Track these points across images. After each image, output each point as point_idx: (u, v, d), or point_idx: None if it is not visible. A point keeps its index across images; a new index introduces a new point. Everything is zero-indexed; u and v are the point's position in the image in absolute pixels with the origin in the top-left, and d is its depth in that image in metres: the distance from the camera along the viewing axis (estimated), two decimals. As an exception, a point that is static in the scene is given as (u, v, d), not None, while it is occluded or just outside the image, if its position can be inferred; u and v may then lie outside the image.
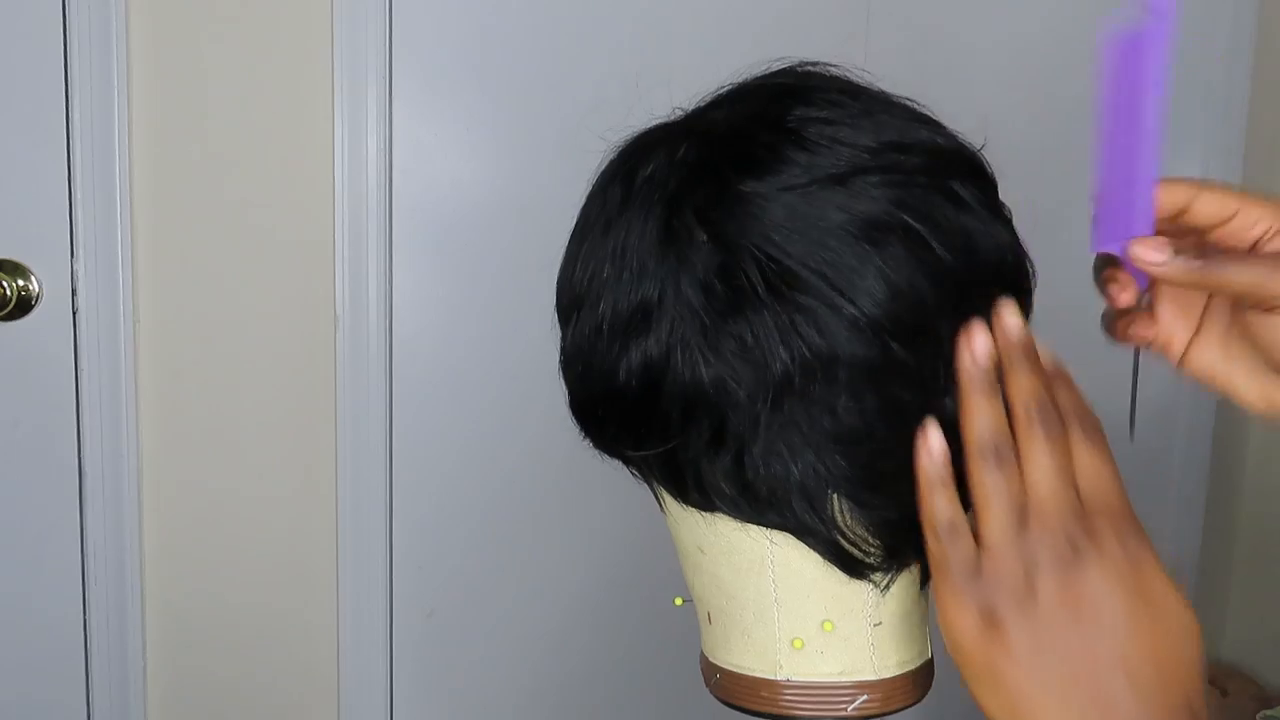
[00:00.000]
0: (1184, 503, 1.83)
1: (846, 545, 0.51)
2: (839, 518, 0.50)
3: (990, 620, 0.46)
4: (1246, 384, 0.53)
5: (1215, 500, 1.86)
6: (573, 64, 1.44)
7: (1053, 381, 0.49)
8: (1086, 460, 0.48)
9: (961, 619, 0.47)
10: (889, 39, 1.54)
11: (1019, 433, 0.48)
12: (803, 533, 0.51)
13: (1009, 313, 0.49)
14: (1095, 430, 0.49)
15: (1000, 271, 0.51)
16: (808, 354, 0.47)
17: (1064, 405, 0.49)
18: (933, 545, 0.48)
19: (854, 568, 0.52)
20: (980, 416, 0.48)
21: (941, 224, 0.48)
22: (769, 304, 0.47)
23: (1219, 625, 1.92)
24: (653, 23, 1.46)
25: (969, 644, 0.47)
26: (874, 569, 0.52)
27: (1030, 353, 0.49)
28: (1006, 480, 0.47)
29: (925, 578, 0.54)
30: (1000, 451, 0.47)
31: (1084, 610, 0.45)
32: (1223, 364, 0.54)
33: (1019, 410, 0.48)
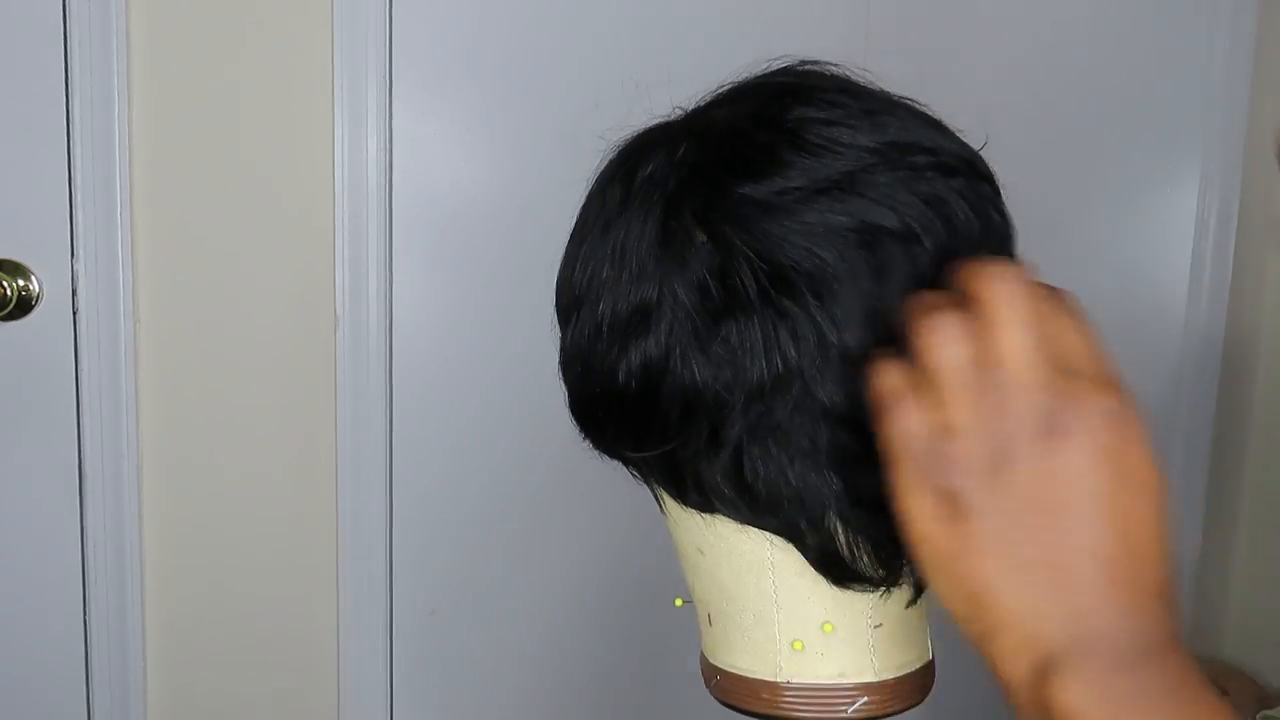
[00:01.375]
0: (1184, 503, 1.83)
1: (841, 555, 0.51)
2: (833, 527, 0.50)
3: (954, 506, 0.43)
4: None
5: (1215, 500, 1.86)
6: (573, 63, 1.44)
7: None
8: (1062, 324, 0.44)
9: (921, 505, 0.44)
10: (889, 38, 1.54)
11: (982, 295, 0.44)
12: (797, 539, 0.51)
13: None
14: (1069, 299, 0.45)
15: None
16: (780, 366, 0.47)
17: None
18: (885, 422, 0.45)
19: (844, 578, 0.52)
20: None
21: (940, 228, 0.48)
22: (758, 308, 0.47)
23: (1219, 625, 1.92)
24: (653, 22, 1.46)
25: (930, 532, 0.44)
26: (867, 581, 0.52)
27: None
28: (969, 343, 0.43)
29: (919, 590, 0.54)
30: (960, 316, 0.44)
31: (1059, 493, 0.42)
32: None
33: (981, 274, 0.44)
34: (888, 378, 0.45)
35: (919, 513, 0.44)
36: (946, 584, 0.44)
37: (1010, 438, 0.42)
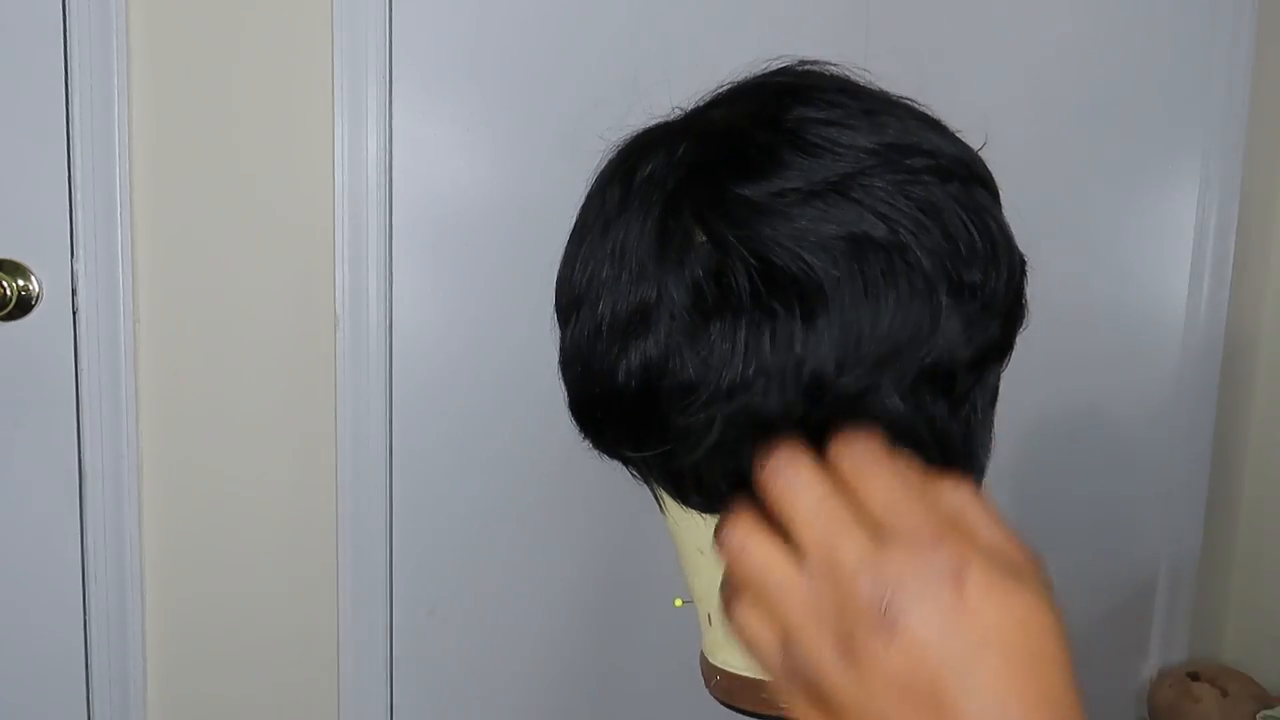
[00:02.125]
0: (1184, 503, 1.83)
1: None
2: None
3: (827, 709, 0.42)
4: None
5: (1215, 500, 1.86)
6: (573, 63, 1.44)
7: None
8: (864, 483, 0.43)
9: (801, 712, 0.43)
10: (889, 38, 1.54)
11: (771, 497, 0.43)
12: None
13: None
14: (865, 446, 0.44)
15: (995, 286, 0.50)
16: (778, 365, 0.47)
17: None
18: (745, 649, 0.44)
19: None
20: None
21: (933, 236, 0.48)
22: (748, 309, 0.47)
23: (1219, 625, 1.92)
24: (652, 22, 1.46)
25: (784, 686, 0.43)
26: None
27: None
28: (767, 545, 0.43)
29: None
30: (751, 523, 0.44)
31: (920, 674, 0.39)
32: None
33: (768, 474, 0.44)
34: (727, 593, 0.45)
35: (799, 712, 0.43)
36: None
37: (847, 633, 0.40)
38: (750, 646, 0.44)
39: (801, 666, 0.42)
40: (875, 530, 0.41)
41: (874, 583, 0.40)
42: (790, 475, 0.43)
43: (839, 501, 0.42)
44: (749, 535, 0.43)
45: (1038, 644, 0.40)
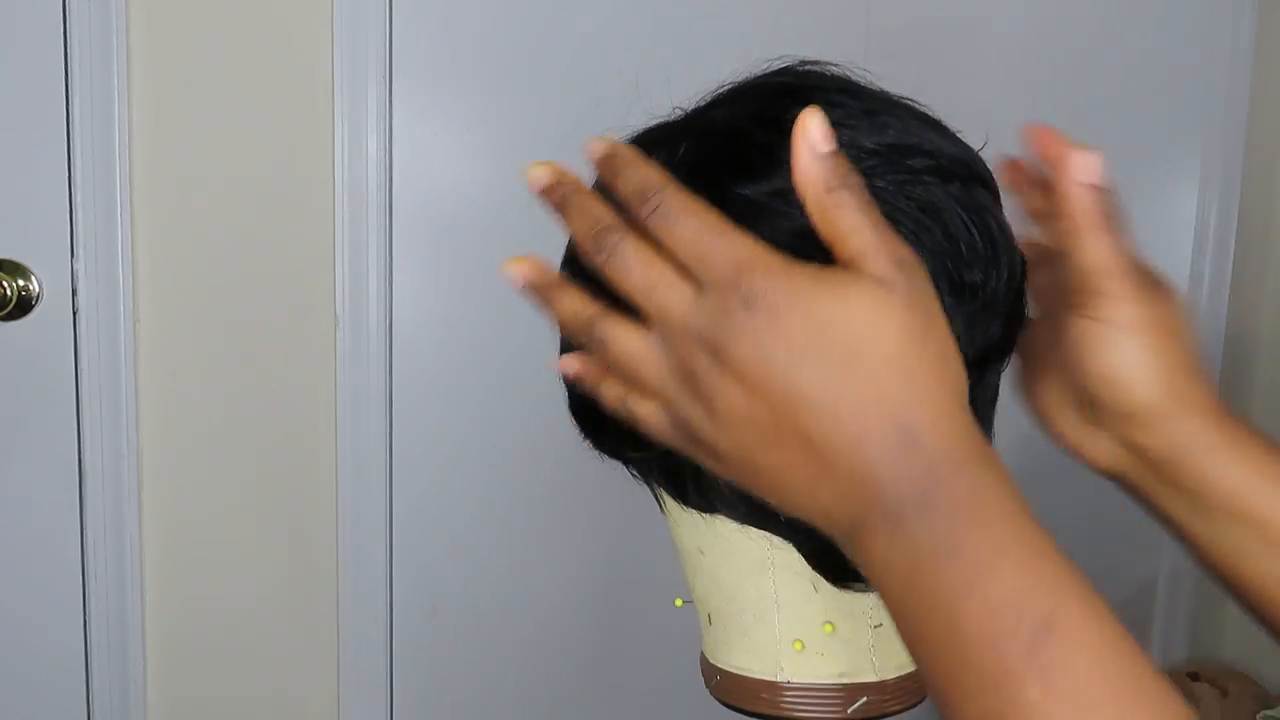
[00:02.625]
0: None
1: (840, 554, 0.51)
2: None
3: (696, 446, 0.44)
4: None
5: (1215, 500, 1.85)
6: (573, 63, 1.44)
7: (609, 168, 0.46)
8: (668, 235, 0.43)
9: (702, 462, 0.45)
10: (889, 38, 1.54)
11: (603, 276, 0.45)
12: (797, 539, 0.51)
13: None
14: (657, 193, 0.44)
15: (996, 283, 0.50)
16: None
17: (625, 191, 0.45)
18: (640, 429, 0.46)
19: (844, 578, 0.52)
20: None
21: (935, 237, 0.48)
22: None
23: (1219, 625, 1.92)
24: (653, 22, 1.46)
25: (702, 461, 0.45)
26: (866, 581, 0.51)
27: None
28: (619, 327, 0.45)
29: None
30: (563, 283, 0.46)
31: (760, 407, 0.41)
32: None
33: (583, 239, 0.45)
34: (595, 390, 0.48)
35: (709, 467, 0.45)
36: (746, 486, 0.45)
37: (695, 384, 0.42)
38: (639, 424, 0.46)
39: (678, 425, 0.44)
40: (691, 275, 0.43)
41: (702, 332, 0.42)
42: (604, 240, 0.44)
43: (652, 258, 0.43)
44: (610, 324, 0.45)
45: (866, 342, 0.41)
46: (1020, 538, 0.40)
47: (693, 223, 0.43)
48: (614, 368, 0.45)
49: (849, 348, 0.40)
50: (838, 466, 0.41)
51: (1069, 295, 0.51)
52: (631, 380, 0.45)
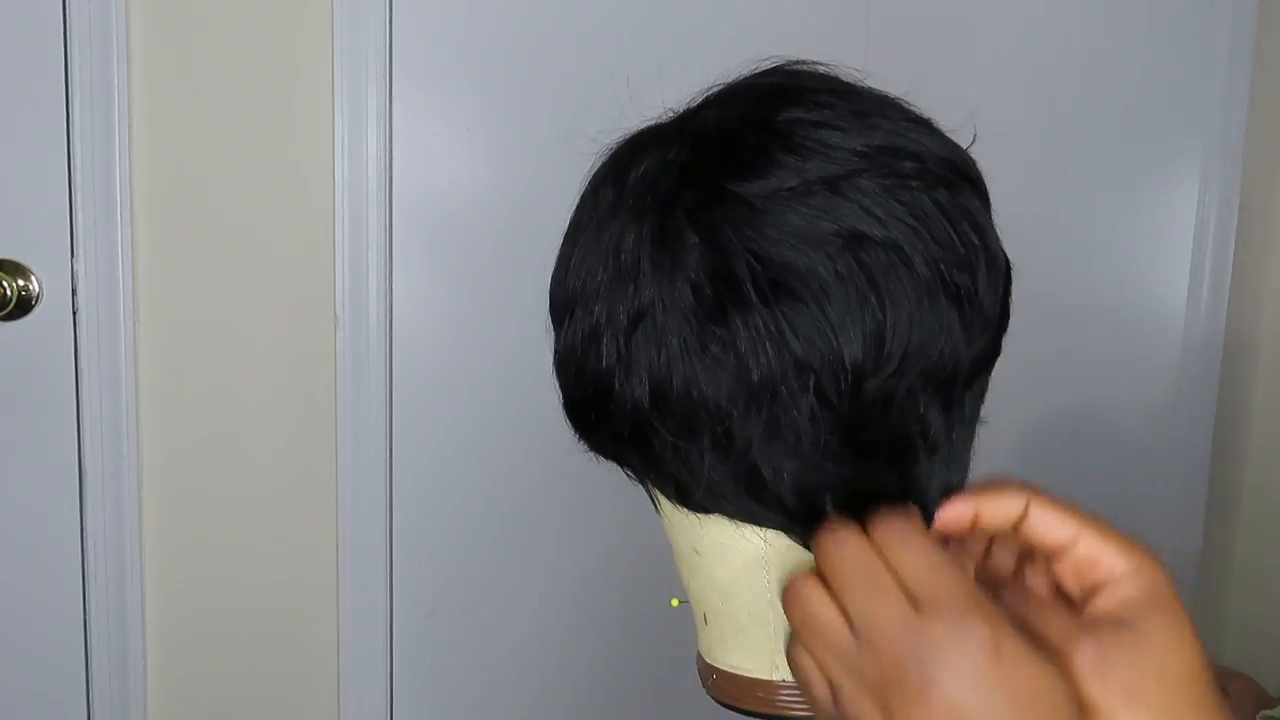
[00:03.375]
0: (1184, 503, 1.83)
1: None
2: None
3: None
4: None
5: (1215, 500, 1.86)
6: (572, 63, 1.44)
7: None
8: (900, 556, 0.45)
9: (820, 710, 0.46)
10: (889, 37, 1.54)
11: (820, 565, 0.47)
12: (797, 535, 0.51)
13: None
14: (901, 521, 0.46)
15: (979, 284, 0.50)
16: (782, 363, 0.47)
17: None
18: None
19: None
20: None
21: (924, 241, 0.48)
22: (755, 309, 0.47)
23: (1219, 625, 1.92)
24: (646, 25, 1.46)
25: None
26: None
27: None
28: (820, 611, 0.46)
29: None
30: (814, 583, 0.47)
31: None
32: None
33: (816, 543, 0.47)
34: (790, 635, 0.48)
35: None
36: None
37: (886, 694, 0.43)
38: (804, 688, 0.47)
39: (846, 717, 0.45)
40: (912, 599, 0.44)
41: (912, 649, 0.43)
42: (837, 544, 0.46)
43: (879, 568, 0.45)
44: (813, 589, 0.46)
45: (1058, 704, 0.43)
46: None
47: (929, 547, 0.45)
48: (798, 630, 0.47)
49: (1055, 703, 0.43)
50: None
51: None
52: (809, 651, 0.46)
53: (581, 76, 1.43)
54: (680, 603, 0.59)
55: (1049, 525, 0.49)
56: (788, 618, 0.48)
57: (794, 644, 0.48)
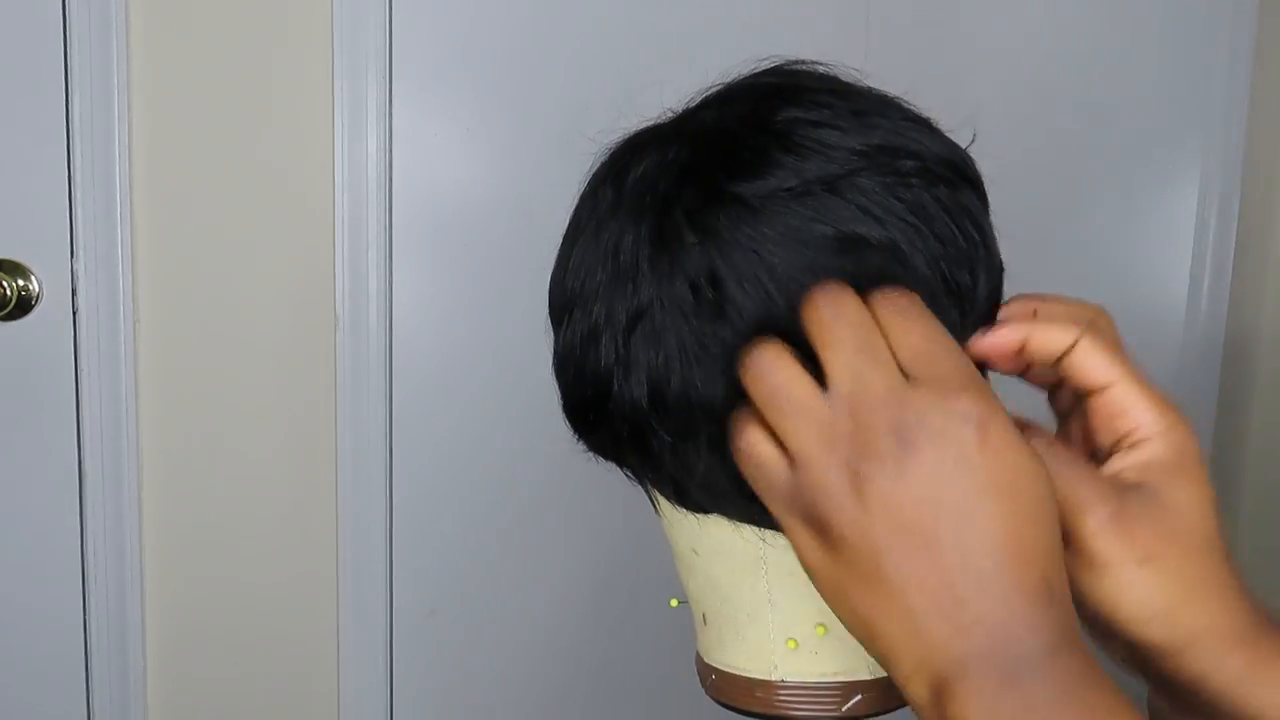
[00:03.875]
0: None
1: None
2: None
3: (826, 536, 0.42)
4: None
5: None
6: (568, 65, 1.44)
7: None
8: (903, 329, 0.43)
9: (801, 536, 0.43)
10: (889, 37, 1.54)
11: (808, 320, 0.44)
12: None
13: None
14: (909, 301, 0.44)
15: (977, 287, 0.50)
16: None
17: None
18: (738, 458, 0.45)
19: None
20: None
21: (925, 239, 0.48)
22: (752, 308, 0.47)
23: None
24: (645, 25, 1.46)
25: (815, 562, 0.43)
26: None
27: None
28: (788, 369, 0.44)
29: None
30: (776, 345, 0.44)
31: (922, 511, 0.40)
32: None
33: (806, 299, 0.44)
34: (739, 416, 0.45)
35: (801, 544, 0.44)
36: (840, 613, 0.44)
37: (859, 460, 0.41)
38: (756, 466, 0.45)
39: (806, 490, 0.42)
40: (905, 371, 0.42)
41: (898, 415, 0.41)
42: (834, 304, 0.44)
43: (877, 335, 0.43)
44: (777, 356, 0.44)
45: (1039, 499, 0.41)
46: (1129, 708, 0.40)
47: (931, 327, 0.43)
48: (764, 404, 0.44)
49: (1033, 505, 0.41)
50: (968, 604, 0.40)
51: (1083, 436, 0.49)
52: (775, 423, 0.44)
53: (581, 76, 1.43)
54: (679, 603, 0.59)
55: (1093, 365, 0.48)
56: (748, 389, 0.45)
57: (747, 420, 0.45)
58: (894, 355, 0.43)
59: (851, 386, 0.42)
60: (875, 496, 0.41)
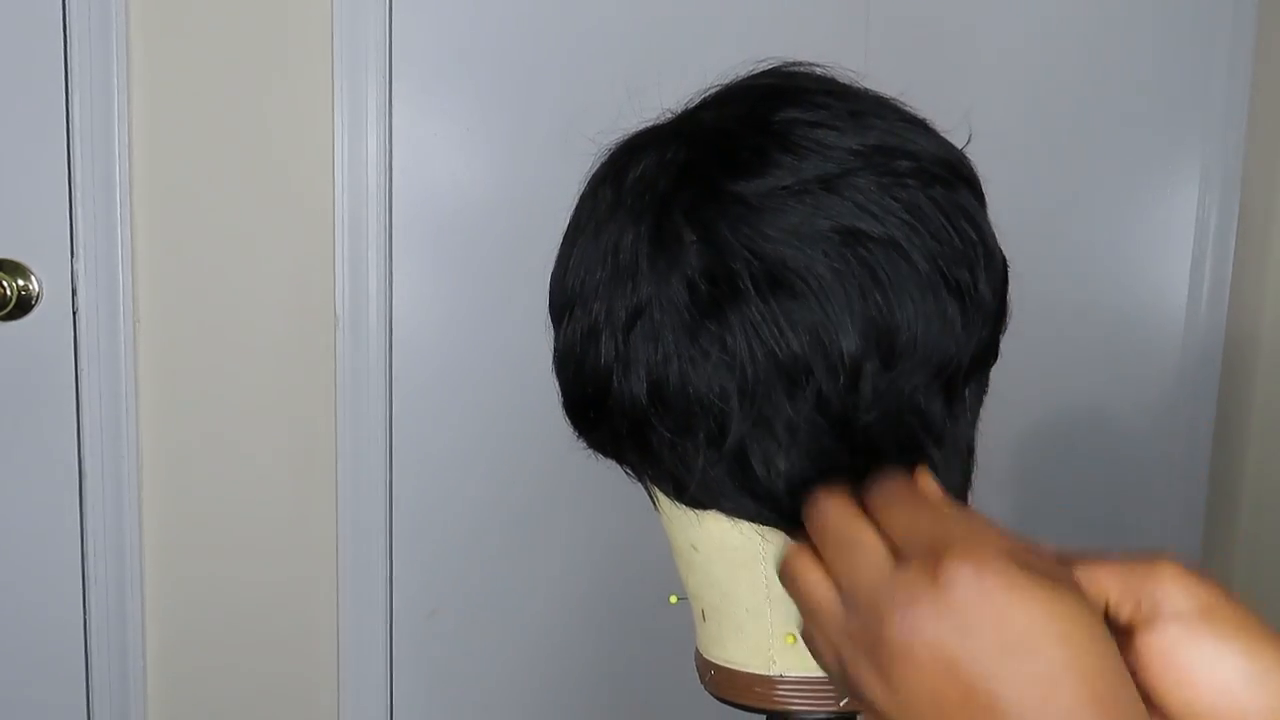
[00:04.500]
0: (1184, 503, 1.83)
1: None
2: None
3: (857, 693, 0.44)
4: None
5: (1215, 500, 1.86)
6: (568, 66, 1.44)
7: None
8: (890, 513, 0.44)
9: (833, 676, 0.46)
10: (889, 38, 1.54)
11: (810, 528, 0.47)
12: (795, 530, 0.51)
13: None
14: (895, 478, 0.46)
15: (978, 282, 0.50)
16: (777, 359, 0.47)
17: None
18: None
19: None
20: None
21: (922, 237, 0.48)
22: (751, 305, 0.47)
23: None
24: (644, 26, 1.46)
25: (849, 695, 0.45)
26: None
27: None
28: (809, 575, 0.46)
29: None
30: (805, 553, 0.47)
31: (948, 687, 0.39)
32: None
33: (806, 508, 0.47)
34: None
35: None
36: None
37: (878, 661, 0.42)
38: (823, 668, 0.47)
39: (852, 685, 0.44)
40: (894, 553, 0.43)
41: (889, 600, 0.41)
42: (815, 508, 0.46)
43: (858, 527, 0.44)
44: (801, 563, 0.46)
45: (1077, 648, 0.39)
46: None
47: (910, 499, 0.44)
48: (800, 608, 0.47)
49: (1066, 657, 0.38)
50: None
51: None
52: (804, 620, 0.47)
53: (581, 77, 1.44)
54: (678, 599, 0.60)
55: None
56: (786, 588, 0.48)
57: (805, 623, 0.48)
58: (886, 538, 0.44)
59: (848, 584, 0.44)
60: (903, 685, 0.41)
